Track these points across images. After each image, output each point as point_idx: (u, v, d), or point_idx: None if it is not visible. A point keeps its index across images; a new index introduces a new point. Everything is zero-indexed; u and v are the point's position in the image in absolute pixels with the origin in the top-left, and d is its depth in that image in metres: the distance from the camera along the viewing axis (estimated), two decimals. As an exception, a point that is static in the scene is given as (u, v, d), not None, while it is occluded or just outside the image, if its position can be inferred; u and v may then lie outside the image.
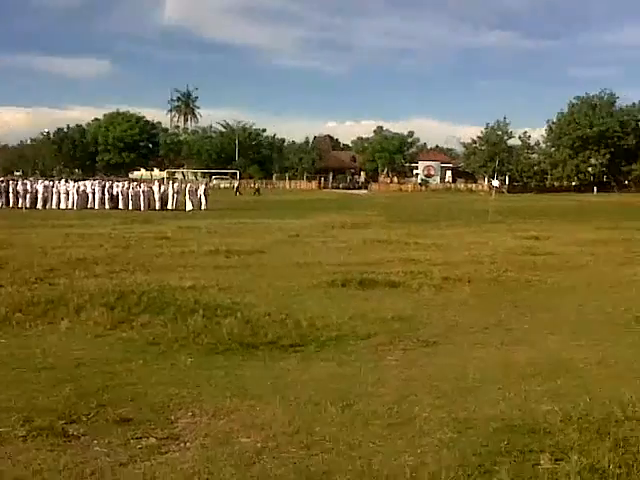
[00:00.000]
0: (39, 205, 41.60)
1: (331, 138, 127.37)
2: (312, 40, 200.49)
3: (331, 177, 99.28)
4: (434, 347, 8.38)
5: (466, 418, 5.85)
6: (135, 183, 47.07)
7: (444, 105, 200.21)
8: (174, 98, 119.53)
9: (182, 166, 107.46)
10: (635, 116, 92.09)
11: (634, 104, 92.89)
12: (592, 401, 6.21)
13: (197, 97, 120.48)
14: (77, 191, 42.54)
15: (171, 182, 46.59)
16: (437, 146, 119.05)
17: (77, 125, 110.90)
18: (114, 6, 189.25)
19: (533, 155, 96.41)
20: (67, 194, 42.46)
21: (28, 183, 44.88)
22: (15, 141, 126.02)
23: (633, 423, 5.65)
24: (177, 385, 6.71)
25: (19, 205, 41.17)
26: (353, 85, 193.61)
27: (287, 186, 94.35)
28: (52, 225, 26.90)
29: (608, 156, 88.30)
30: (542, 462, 4.93)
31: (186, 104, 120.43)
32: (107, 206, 41.45)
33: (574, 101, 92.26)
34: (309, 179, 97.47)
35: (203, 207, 41.40)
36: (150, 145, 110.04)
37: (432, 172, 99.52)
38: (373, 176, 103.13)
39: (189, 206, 41.22)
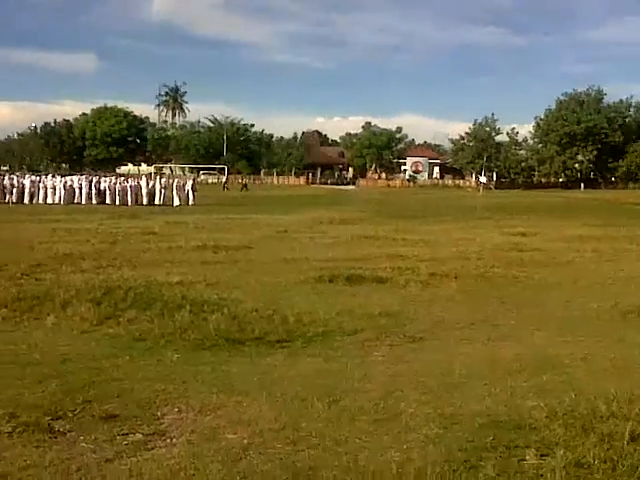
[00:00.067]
0: (26, 200, 41.43)
1: (319, 134, 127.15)
2: (302, 36, 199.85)
3: (319, 173, 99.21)
4: (420, 343, 8.41)
5: (452, 414, 5.87)
6: (122, 178, 46.87)
7: (433, 101, 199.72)
8: (162, 93, 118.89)
9: (170, 161, 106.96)
10: (622, 113, 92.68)
11: (621, 101, 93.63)
12: (577, 397, 6.24)
13: (185, 92, 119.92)
14: (64, 186, 42.35)
15: (159, 177, 46.22)
16: (425, 142, 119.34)
17: (65, 120, 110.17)
18: (102, 1, 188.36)
19: (521, 151, 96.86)
20: (54, 189, 42.30)
21: (15, 178, 44.66)
22: (2, 135, 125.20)
23: (618, 419, 5.68)
24: (163, 381, 6.70)
25: (6, 200, 40.94)
26: (342, 81, 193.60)
27: (275, 181, 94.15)
28: (39, 220, 26.78)
29: (595, 152, 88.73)
30: (528, 457, 4.96)
31: (174, 99, 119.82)
32: (94, 201, 41.29)
33: (562, 97, 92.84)
34: (297, 175, 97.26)
35: (191, 202, 41.30)
36: (138, 140, 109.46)
37: (420, 168, 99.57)
38: (361, 172, 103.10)
39: (177, 201, 41.10)
